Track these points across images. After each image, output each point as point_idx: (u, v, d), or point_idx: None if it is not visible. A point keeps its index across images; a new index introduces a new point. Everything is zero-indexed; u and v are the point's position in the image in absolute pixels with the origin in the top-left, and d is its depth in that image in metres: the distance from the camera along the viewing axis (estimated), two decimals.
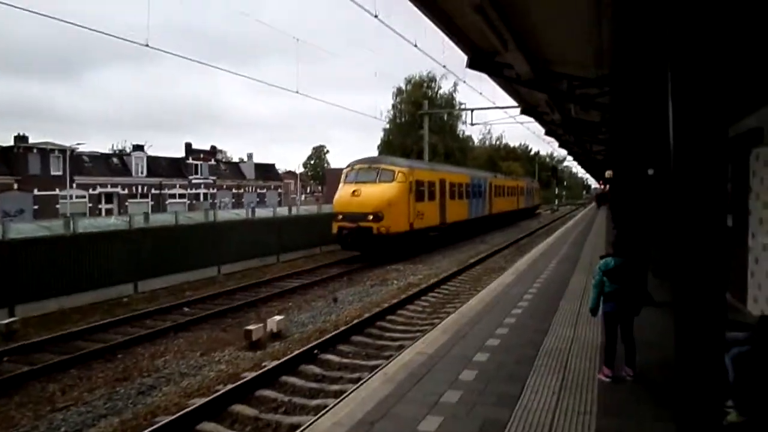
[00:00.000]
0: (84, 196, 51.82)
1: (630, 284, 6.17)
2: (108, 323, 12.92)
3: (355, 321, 12.32)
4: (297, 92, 25.15)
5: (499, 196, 41.75)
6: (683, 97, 3.23)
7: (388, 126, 62.66)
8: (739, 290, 9.09)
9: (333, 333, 11.28)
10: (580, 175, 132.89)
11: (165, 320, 13.36)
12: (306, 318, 13.29)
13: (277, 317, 12.23)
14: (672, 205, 3.37)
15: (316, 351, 10.12)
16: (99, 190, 53.63)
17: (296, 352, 9.98)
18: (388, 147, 60.08)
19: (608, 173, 41.90)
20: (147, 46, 13.15)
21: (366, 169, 23.81)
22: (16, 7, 11.31)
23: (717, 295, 3.28)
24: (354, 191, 22.72)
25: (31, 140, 49.18)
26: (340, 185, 24.24)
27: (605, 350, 6.39)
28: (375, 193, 22.49)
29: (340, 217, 22.71)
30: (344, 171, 24.97)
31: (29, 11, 12.11)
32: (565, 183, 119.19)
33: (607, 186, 55.43)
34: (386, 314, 13.16)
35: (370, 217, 21.76)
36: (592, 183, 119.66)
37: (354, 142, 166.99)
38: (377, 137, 70.75)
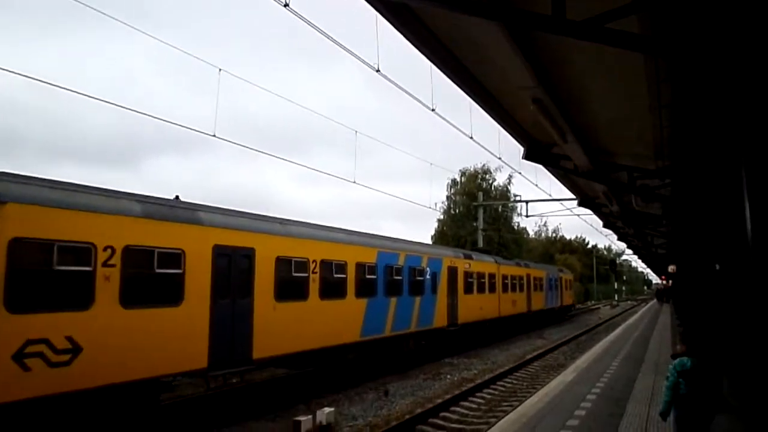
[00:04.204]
0: None
1: (705, 387, 5.72)
2: None
3: (407, 416, 11.83)
4: (354, 182, 25.11)
5: (478, 293, 24.36)
6: (762, 195, 3.10)
7: (442, 217, 63.12)
8: None
9: (384, 429, 10.83)
10: (640, 269, 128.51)
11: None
12: (357, 411, 12.87)
13: (327, 409, 11.89)
14: (751, 304, 3.16)
15: None
16: None
17: None
18: (442, 238, 60.23)
19: (671, 268, 40.41)
20: (214, 136, 13.81)
21: None
22: (95, 98, 12.16)
23: None
24: None
25: None
26: None
27: None
28: None
29: None
30: None
31: (105, 101, 13.14)
32: (624, 277, 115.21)
33: (670, 281, 53.24)
34: (439, 410, 12.61)
35: None
36: (653, 278, 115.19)
37: (406, 232, 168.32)
38: (430, 227, 71.28)
